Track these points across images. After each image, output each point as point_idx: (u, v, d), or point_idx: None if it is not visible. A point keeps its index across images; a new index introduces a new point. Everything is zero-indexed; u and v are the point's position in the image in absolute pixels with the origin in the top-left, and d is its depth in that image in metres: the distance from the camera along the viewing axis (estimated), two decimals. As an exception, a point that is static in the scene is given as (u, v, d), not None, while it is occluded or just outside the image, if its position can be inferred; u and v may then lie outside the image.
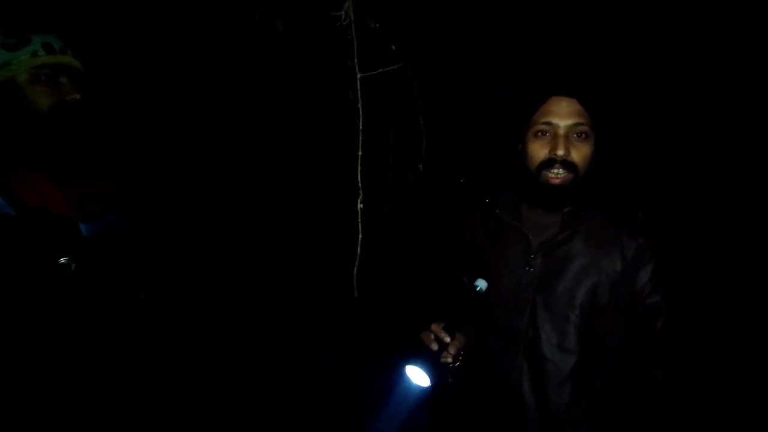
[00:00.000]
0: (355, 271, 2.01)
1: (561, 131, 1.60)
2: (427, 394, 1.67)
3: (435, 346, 1.61)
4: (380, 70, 2.01)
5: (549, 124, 1.62)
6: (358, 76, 1.93)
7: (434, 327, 1.62)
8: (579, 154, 1.61)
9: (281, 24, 2.35)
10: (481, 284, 1.64)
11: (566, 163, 1.60)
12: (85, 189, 1.77)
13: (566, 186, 1.61)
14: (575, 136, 1.61)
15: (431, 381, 1.61)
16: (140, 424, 3.40)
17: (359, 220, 1.93)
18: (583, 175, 1.62)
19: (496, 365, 1.70)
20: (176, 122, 4.33)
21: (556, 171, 1.60)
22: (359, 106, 1.93)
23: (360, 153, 1.93)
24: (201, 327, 4.08)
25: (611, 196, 1.80)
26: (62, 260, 1.58)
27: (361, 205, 1.93)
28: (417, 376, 1.63)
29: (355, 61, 1.93)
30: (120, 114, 4.25)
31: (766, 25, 3.38)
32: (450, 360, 1.65)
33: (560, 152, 1.58)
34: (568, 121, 1.60)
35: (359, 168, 1.95)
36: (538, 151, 1.63)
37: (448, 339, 1.60)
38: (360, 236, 1.93)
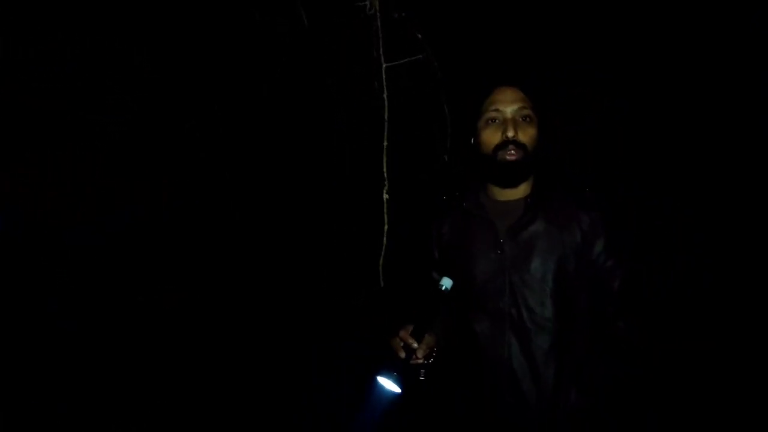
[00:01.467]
0: (380, 261, 2.01)
1: (508, 115, 1.79)
2: (399, 398, 1.77)
3: (403, 354, 1.73)
4: (406, 60, 2.02)
5: (497, 110, 1.80)
6: (384, 66, 1.93)
7: (402, 333, 1.74)
8: (526, 134, 1.78)
9: (305, 16, 2.35)
10: (446, 283, 1.72)
11: (517, 143, 1.76)
12: (85, 189, 1.68)
13: (520, 162, 1.77)
14: (521, 119, 1.79)
15: (401, 387, 1.70)
16: (140, 424, 3.38)
17: (385, 210, 1.93)
18: (532, 154, 1.79)
19: (486, 346, 1.82)
20: (176, 122, 4.32)
21: (510, 149, 1.76)
22: (384, 96, 1.93)
23: (385, 144, 1.93)
24: (201, 327, 4.07)
25: (564, 180, 1.93)
26: None
27: (387, 196, 1.93)
28: (388, 384, 1.71)
29: (381, 51, 1.93)
30: (120, 114, 4.23)
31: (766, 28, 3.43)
32: (420, 361, 1.78)
33: (510, 133, 1.75)
34: (514, 106, 1.79)
35: (385, 159, 1.96)
36: (491, 136, 1.80)
37: (415, 345, 1.71)
38: (386, 227, 1.93)
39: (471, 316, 1.86)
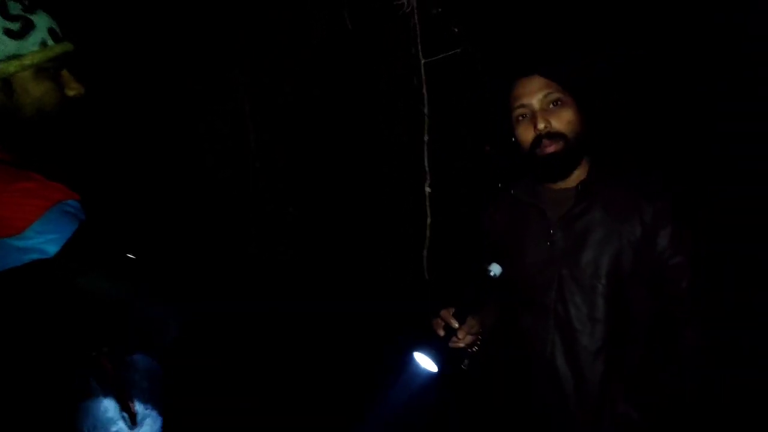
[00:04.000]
0: (425, 254, 2.04)
1: (536, 106, 1.63)
2: (436, 379, 1.68)
3: (442, 332, 1.63)
4: (443, 55, 2.03)
5: (523, 105, 1.65)
6: (422, 61, 1.96)
7: (443, 313, 1.64)
8: (560, 121, 1.61)
9: (348, 15, 2.39)
10: (495, 269, 1.63)
11: (551, 134, 1.60)
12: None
13: (560, 154, 1.62)
14: (551, 105, 1.63)
15: (438, 367, 1.62)
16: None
17: (427, 204, 1.96)
18: (575, 140, 1.62)
19: (529, 342, 1.72)
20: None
21: (545, 144, 1.61)
22: (424, 91, 1.95)
23: (426, 138, 1.96)
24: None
25: (628, 158, 1.80)
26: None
27: (429, 189, 1.96)
28: (425, 362, 1.64)
29: (419, 48, 1.95)
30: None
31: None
32: (461, 345, 1.66)
33: (541, 126, 1.60)
34: (539, 95, 1.62)
35: (426, 153, 1.98)
36: (525, 133, 1.65)
37: (456, 324, 1.61)
38: (429, 220, 1.95)
39: (517, 309, 1.76)
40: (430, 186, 1.95)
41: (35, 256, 1.14)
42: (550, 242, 1.68)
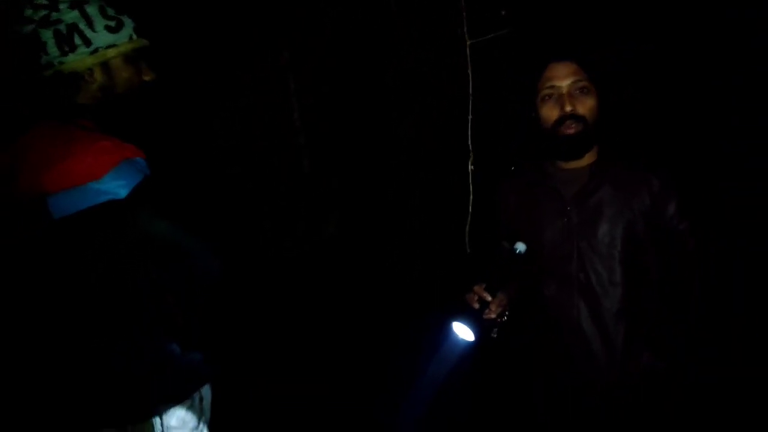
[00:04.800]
0: (467, 229, 2.13)
1: (564, 90, 1.81)
2: (471, 348, 1.86)
3: (477, 305, 1.80)
4: (490, 36, 2.11)
5: (552, 87, 1.83)
6: (468, 42, 2.03)
7: (476, 288, 1.81)
8: (584, 106, 1.81)
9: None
10: (520, 247, 1.81)
11: (575, 116, 1.80)
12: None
13: (581, 134, 1.81)
14: (578, 91, 1.82)
15: (475, 336, 1.79)
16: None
17: (470, 180, 2.04)
18: (593, 125, 1.82)
19: (556, 309, 1.90)
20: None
21: (568, 124, 1.80)
22: (469, 72, 2.03)
23: (470, 117, 2.04)
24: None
25: (632, 146, 1.99)
26: None
27: (472, 167, 2.04)
28: (462, 331, 1.81)
29: (465, 29, 2.03)
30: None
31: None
32: (493, 316, 1.82)
33: (568, 108, 1.79)
34: (568, 80, 1.82)
35: (470, 132, 2.06)
36: (550, 112, 1.84)
37: (489, 298, 1.79)
38: (471, 196, 2.04)
39: (541, 281, 1.93)
40: (473, 164, 2.03)
41: (110, 197, 1.46)
42: (567, 218, 1.87)
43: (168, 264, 1.57)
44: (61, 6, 1.59)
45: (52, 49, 1.58)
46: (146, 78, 1.71)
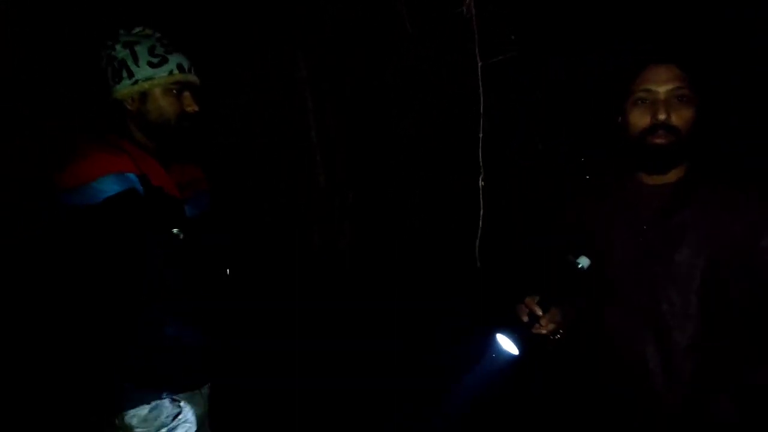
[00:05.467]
0: (477, 243, 2.15)
1: (661, 96, 1.62)
2: (516, 361, 1.75)
3: (525, 318, 1.69)
4: (500, 58, 2.13)
5: (648, 90, 1.64)
6: (479, 64, 2.05)
7: (527, 300, 1.70)
8: (680, 117, 1.62)
9: (409, 23, 2.49)
10: (584, 261, 1.67)
11: (668, 127, 1.61)
12: (180, 178, 2.08)
13: (671, 147, 1.63)
14: (675, 100, 1.63)
15: (520, 350, 1.69)
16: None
17: (481, 196, 2.07)
18: (687, 138, 1.63)
19: (618, 336, 1.72)
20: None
21: (660, 134, 1.62)
22: (480, 92, 2.05)
23: (481, 135, 2.06)
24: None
25: (730, 164, 1.76)
26: (174, 230, 1.94)
27: (483, 183, 2.07)
28: (507, 344, 1.71)
29: (476, 51, 2.05)
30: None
31: None
32: (544, 332, 1.70)
33: (661, 116, 1.60)
34: (668, 86, 1.62)
35: (480, 149, 2.09)
36: (640, 118, 1.65)
37: (539, 312, 1.67)
38: (482, 211, 2.07)
39: (603, 306, 1.76)
40: (484, 180, 2.06)
41: (100, 197, 1.77)
42: (642, 238, 1.68)
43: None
44: (117, 46, 1.93)
45: (110, 80, 1.95)
46: (188, 109, 1.99)
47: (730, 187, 1.65)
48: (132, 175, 1.85)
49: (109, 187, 1.80)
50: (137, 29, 2.00)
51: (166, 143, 2.01)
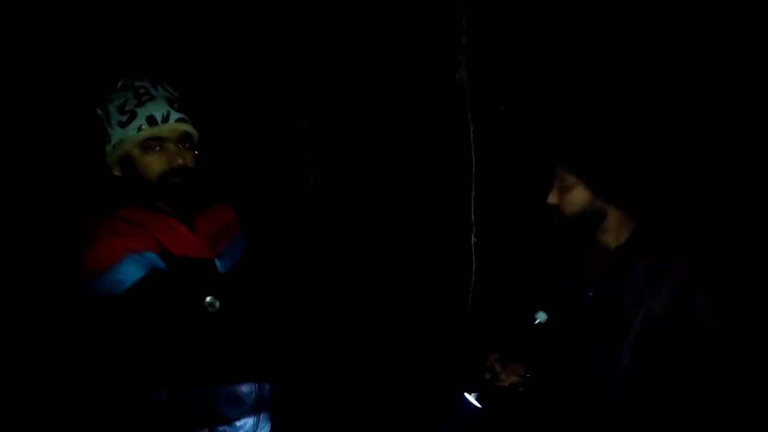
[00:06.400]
0: (469, 298, 2.19)
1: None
2: (481, 414, 1.93)
3: (487, 376, 1.87)
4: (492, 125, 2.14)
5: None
6: (471, 127, 2.07)
7: (490, 357, 1.89)
8: (558, 198, 1.79)
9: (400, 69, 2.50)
10: (541, 317, 1.86)
11: (552, 206, 1.80)
12: (210, 230, 1.95)
13: (562, 223, 1.81)
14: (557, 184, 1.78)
15: (482, 404, 1.85)
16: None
17: (473, 251, 2.10)
18: (571, 217, 1.79)
19: (572, 388, 1.91)
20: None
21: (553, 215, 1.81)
22: (473, 154, 2.07)
23: (473, 194, 2.08)
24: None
25: (675, 229, 1.87)
26: (207, 299, 1.77)
27: (475, 240, 2.09)
28: (472, 399, 1.87)
29: (468, 110, 2.07)
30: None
31: None
32: (506, 385, 1.89)
33: (550, 200, 1.79)
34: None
35: (473, 205, 2.11)
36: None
37: (498, 369, 1.86)
38: (474, 266, 2.10)
39: (561, 353, 1.93)
40: (476, 236, 2.09)
41: (121, 288, 1.62)
42: (589, 296, 1.85)
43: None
44: (98, 108, 1.77)
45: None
46: (173, 164, 1.76)
47: (666, 253, 1.76)
48: (150, 254, 1.71)
49: (128, 274, 1.65)
50: (120, 81, 1.82)
51: (171, 204, 1.82)
